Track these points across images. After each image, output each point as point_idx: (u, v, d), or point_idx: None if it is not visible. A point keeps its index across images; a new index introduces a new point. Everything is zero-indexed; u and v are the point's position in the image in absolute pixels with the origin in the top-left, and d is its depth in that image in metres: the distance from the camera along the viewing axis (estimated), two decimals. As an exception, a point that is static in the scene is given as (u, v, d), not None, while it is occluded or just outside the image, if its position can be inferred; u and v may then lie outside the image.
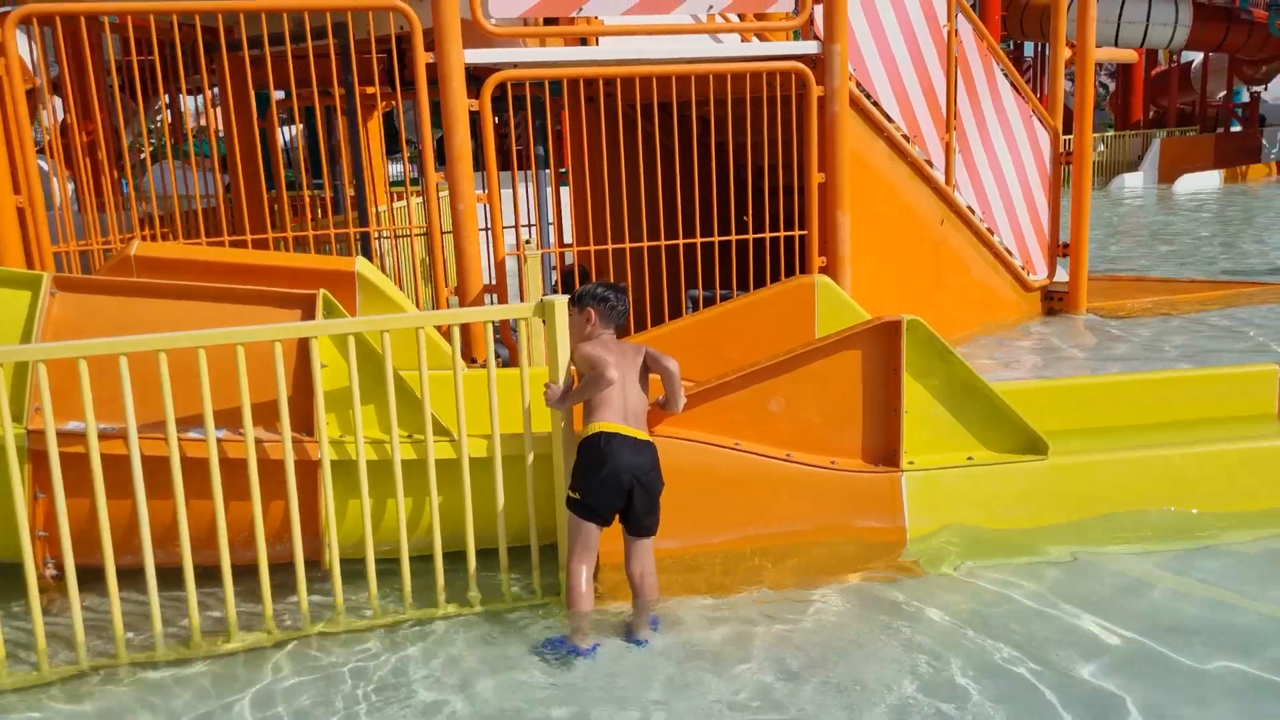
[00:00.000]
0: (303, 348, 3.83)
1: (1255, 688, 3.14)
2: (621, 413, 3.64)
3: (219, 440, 3.60)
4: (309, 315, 3.91)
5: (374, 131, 9.48)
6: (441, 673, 3.41)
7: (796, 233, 6.28)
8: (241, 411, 3.54)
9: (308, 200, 7.04)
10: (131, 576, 3.62)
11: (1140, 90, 28.59)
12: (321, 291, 3.91)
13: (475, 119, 5.51)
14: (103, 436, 3.51)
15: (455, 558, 3.89)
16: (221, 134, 9.09)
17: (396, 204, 9.07)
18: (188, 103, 7.65)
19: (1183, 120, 28.57)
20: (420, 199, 8.41)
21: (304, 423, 3.87)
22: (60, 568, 3.91)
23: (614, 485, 3.55)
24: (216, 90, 8.56)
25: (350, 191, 6.38)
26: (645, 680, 3.30)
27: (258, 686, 3.35)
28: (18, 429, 3.60)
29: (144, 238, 5.72)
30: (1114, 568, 3.96)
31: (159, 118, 8.27)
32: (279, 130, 10.43)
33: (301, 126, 10.61)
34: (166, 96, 7.35)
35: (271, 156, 8.01)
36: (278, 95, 10.49)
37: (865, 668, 3.33)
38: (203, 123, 10.87)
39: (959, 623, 3.60)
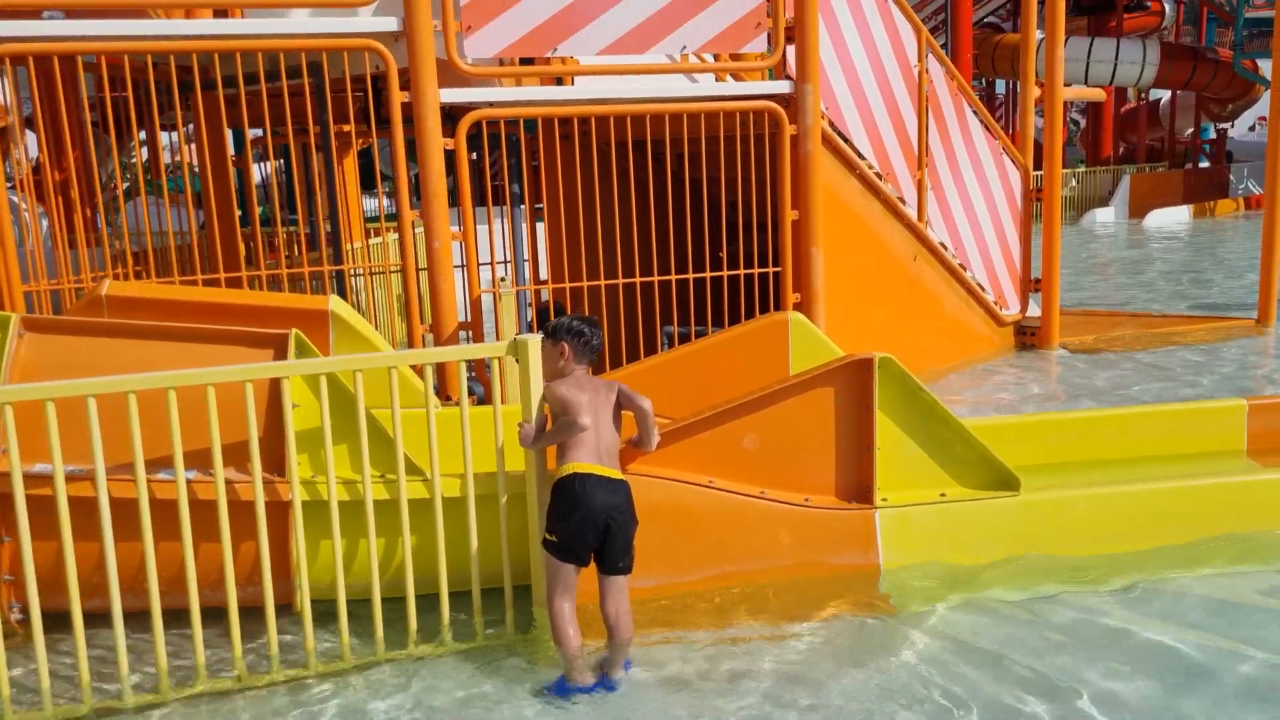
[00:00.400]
0: (274, 387, 3.82)
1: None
2: (595, 452, 3.60)
3: (189, 481, 3.57)
4: (281, 355, 3.90)
5: (350, 169, 9.49)
6: (420, 713, 3.37)
7: (771, 269, 6.32)
8: (211, 452, 3.50)
9: (282, 237, 7.04)
10: (99, 620, 3.57)
11: (1110, 127, 29.02)
12: (294, 331, 3.90)
13: (451, 157, 5.54)
14: (70, 479, 3.47)
15: (427, 600, 3.86)
16: (196, 171, 9.10)
17: (374, 240, 9.08)
18: (161, 139, 7.65)
19: (1152, 156, 29.00)
20: (396, 235, 8.43)
21: (275, 463, 3.84)
22: (26, 612, 3.86)
23: (590, 526, 3.53)
24: (191, 127, 8.57)
25: (325, 228, 6.38)
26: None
27: (226, 732, 3.30)
28: (-16, 471, 3.55)
29: (116, 276, 5.70)
30: (1081, 605, 3.96)
31: (133, 155, 8.25)
32: (253, 167, 10.45)
33: (279, 163, 10.63)
34: (142, 134, 7.36)
35: (246, 194, 8.00)
36: (254, 133, 10.54)
37: (840, 704, 3.32)
38: (178, 159, 10.87)
39: (929, 661, 3.60)
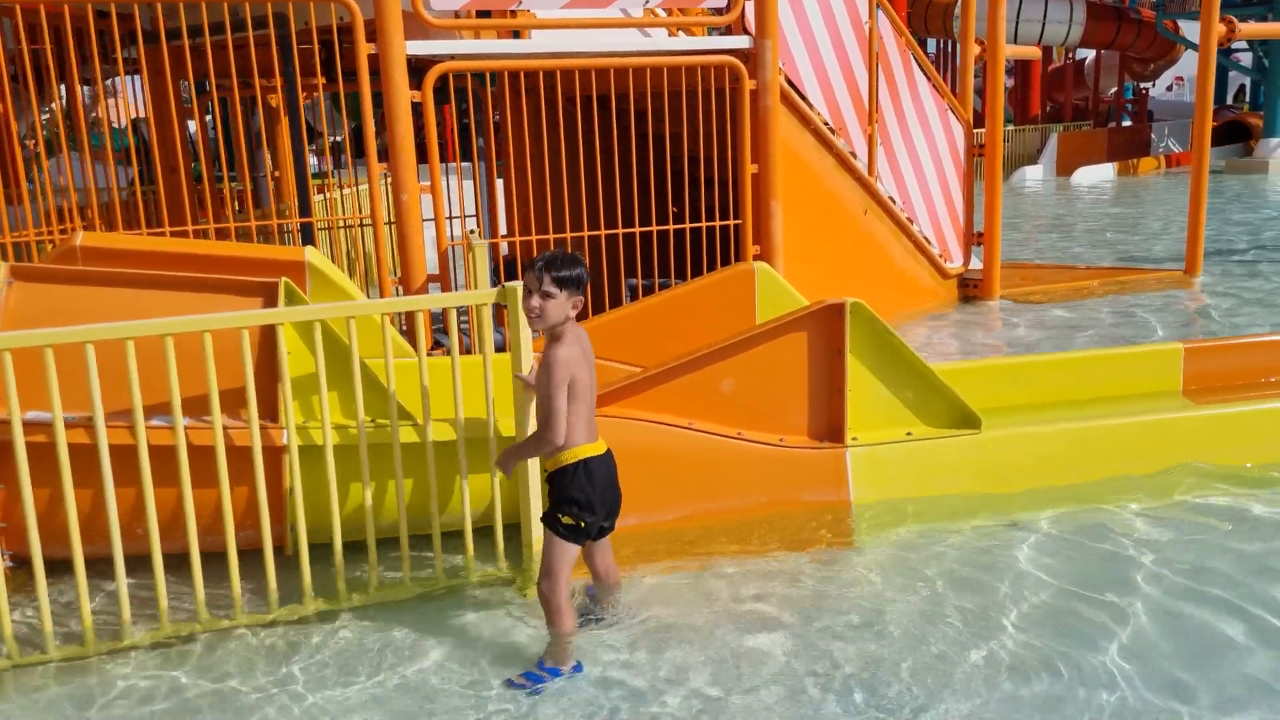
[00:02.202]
0: (266, 335, 3.87)
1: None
2: (590, 425, 3.38)
3: (186, 428, 3.62)
4: (271, 303, 3.94)
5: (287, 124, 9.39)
6: (421, 647, 3.50)
7: (731, 222, 6.47)
8: (209, 399, 3.56)
9: (230, 192, 6.98)
10: (93, 566, 3.62)
11: (1037, 86, 29.64)
12: (283, 279, 3.95)
13: (417, 110, 5.57)
14: (66, 426, 3.50)
15: (414, 541, 3.97)
16: (120, 127, 8.92)
17: (318, 196, 9.03)
18: (81, 93, 7.48)
19: (1077, 115, 29.73)
20: (341, 191, 8.40)
21: (265, 409, 3.90)
22: (17, 559, 3.89)
23: (612, 508, 3.49)
24: (111, 82, 8.39)
25: (273, 183, 6.35)
26: (616, 647, 3.44)
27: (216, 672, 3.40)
28: (-23, 420, 3.56)
29: (64, 230, 5.62)
30: (1030, 532, 4.22)
31: (49, 107, 8.05)
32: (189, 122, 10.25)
33: (209, 118, 10.46)
34: (65, 86, 7.19)
35: (197, 148, 7.89)
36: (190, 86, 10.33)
37: (806, 626, 3.52)
38: (95, 115, 10.61)
39: (891, 584, 3.82)
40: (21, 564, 3.86)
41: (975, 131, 9.30)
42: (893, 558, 4.05)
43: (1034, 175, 24.24)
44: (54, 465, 3.40)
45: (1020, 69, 29.79)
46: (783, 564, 4.02)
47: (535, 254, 6.61)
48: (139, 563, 3.71)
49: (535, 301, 3.27)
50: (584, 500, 3.33)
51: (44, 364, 3.32)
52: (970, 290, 9.17)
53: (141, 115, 7.79)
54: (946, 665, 3.27)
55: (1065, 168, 24.16)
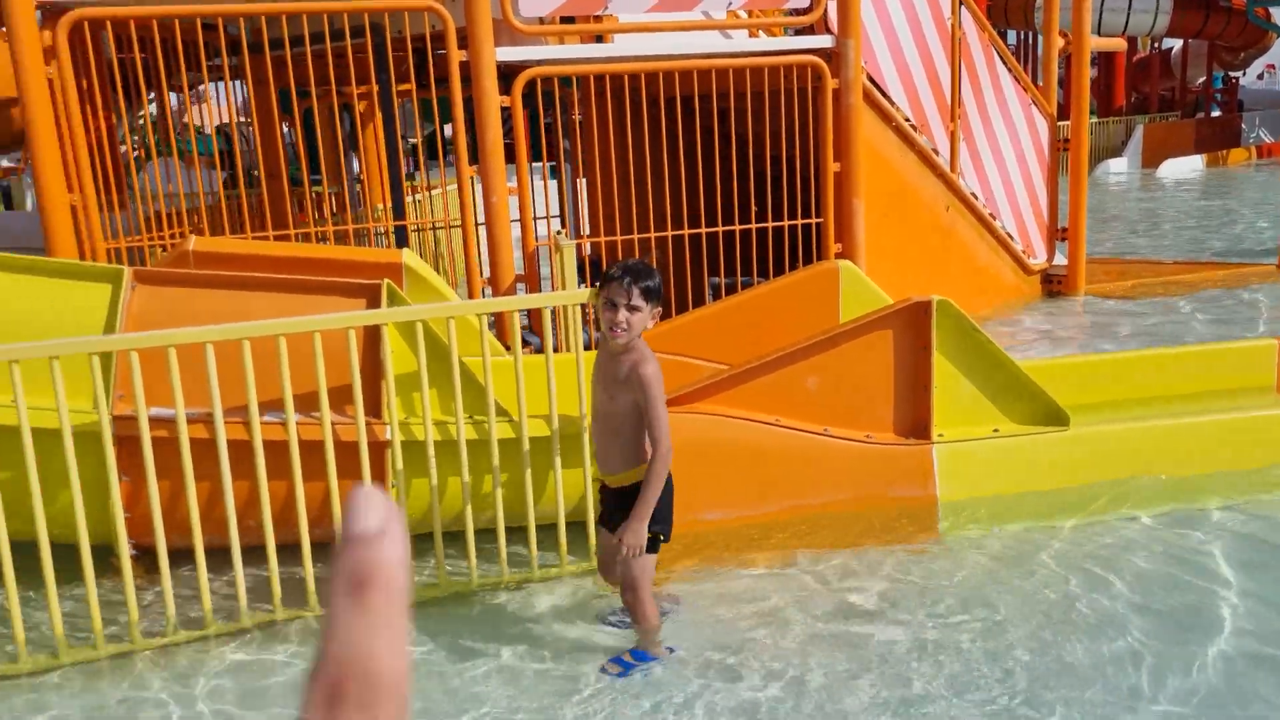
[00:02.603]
0: (370, 335, 4.04)
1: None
2: None
3: (297, 423, 3.80)
4: (374, 304, 4.11)
5: (379, 130, 9.65)
6: (515, 634, 3.63)
7: (813, 220, 6.50)
8: (318, 396, 3.73)
9: (325, 196, 7.23)
10: (208, 555, 3.82)
11: (1122, 77, 28.95)
12: (386, 281, 4.11)
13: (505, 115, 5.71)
14: (188, 421, 3.70)
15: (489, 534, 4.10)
16: (215, 132, 9.24)
17: (410, 198, 9.26)
18: (170, 101, 7.78)
19: (1164, 106, 28.95)
20: (429, 193, 8.61)
21: (369, 406, 4.07)
22: (139, 548, 4.12)
23: None
24: (202, 89, 8.69)
25: (360, 187, 6.55)
26: (711, 636, 3.53)
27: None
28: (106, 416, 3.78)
29: (172, 235, 5.89)
30: (1123, 532, 4.20)
31: (141, 115, 8.39)
32: (282, 127, 10.58)
33: (300, 125, 10.79)
34: (174, 96, 7.49)
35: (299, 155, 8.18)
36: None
37: (903, 619, 3.57)
38: (198, 123, 11.01)
39: (980, 580, 3.85)
40: (144, 553, 4.09)
41: (1059, 125, 9.19)
42: (981, 553, 4.08)
43: (1118, 168, 23.70)
44: (175, 459, 3.61)
45: (1104, 60, 29.13)
46: (871, 558, 4.07)
47: (619, 254, 6.75)
48: (252, 552, 3.90)
49: (623, 315, 3.14)
50: (667, 513, 3.32)
51: (167, 363, 3.52)
52: (1054, 286, 9.06)
53: (227, 121, 8.09)
54: (1039, 658, 3.30)
55: (1151, 160, 23.57)
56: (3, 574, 3.43)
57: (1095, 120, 26.23)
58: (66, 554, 3.57)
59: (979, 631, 3.49)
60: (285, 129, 8.77)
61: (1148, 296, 8.83)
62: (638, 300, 3.17)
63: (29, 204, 13.63)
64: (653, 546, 3.29)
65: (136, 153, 8.74)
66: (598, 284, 3.30)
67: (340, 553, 0.49)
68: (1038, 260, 9.00)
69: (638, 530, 3.20)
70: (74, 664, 3.55)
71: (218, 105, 8.24)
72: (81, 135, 5.11)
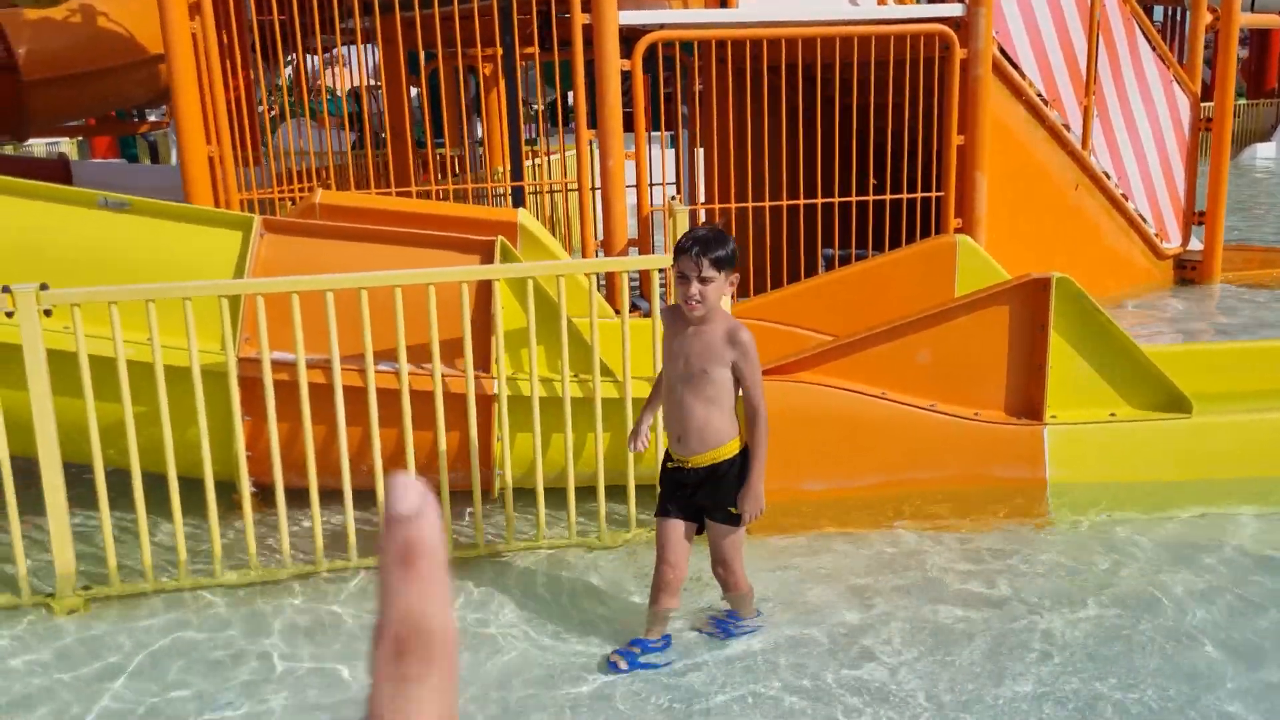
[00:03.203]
0: (481, 290, 4.13)
1: None
2: None
3: (409, 373, 3.92)
4: (488, 260, 4.20)
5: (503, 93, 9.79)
6: (608, 587, 3.70)
7: (933, 194, 6.37)
8: (429, 348, 3.84)
9: (446, 158, 7.36)
10: (301, 496, 3.98)
11: (1276, 57, 27.35)
12: (500, 238, 4.19)
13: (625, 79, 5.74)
14: (308, 366, 3.85)
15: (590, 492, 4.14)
16: (346, 93, 9.50)
17: (528, 162, 9.40)
18: (319, 61, 8.01)
19: (1321, 88, 27.26)
20: (548, 158, 8.71)
21: (478, 360, 4.17)
22: (260, 485, 4.31)
23: None
24: (338, 51, 8.94)
25: (482, 149, 6.65)
26: (804, 608, 3.54)
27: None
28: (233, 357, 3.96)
29: (302, 189, 6.11)
30: (1248, 530, 4.03)
31: (289, 73, 8.69)
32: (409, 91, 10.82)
33: (425, 88, 11.02)
34: (311, 58, 7.72)
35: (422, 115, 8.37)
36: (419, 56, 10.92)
37: (1003, 601, 3.51)
38: (332, 83, 11.33)
39: (1089, 568, 3.74)
40: (261, 490, 4.28)
41: (1203, 105, 8.75)
42: (1090, 540, 3.97)
43: (1266, 153, 22.46)
44: (294, 402, 3.77)
45: (1256, 38, 27.55)
46: (973, 538, 4.00)
47: (735, 221, 6.72)
48: (363, 496, 4.05)
49: (695, 288, 3.02)
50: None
51: (290, 309, 3.67)
52: (1188, 272, 8.67)
53: (359, 84, 8.31)
54: (1145, 654, 3.21)
55: (1304, 145, 22.28)
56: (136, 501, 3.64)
57: (1244, 102, 24.89)
58: (187, 487, 3.78)
59: (1079, 622, 3.41)
60: (414, 92, 9.00)
61: (1289, 287, 8.39)
62: (709, 271, 3.01)
63: (174, 159, 14.26)
64: (738, 522, 3.21)
65: (273, 112, 9.08)
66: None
67: (386, 531, 0.57)
68: (1171, 245, 8.62)
69: (759, 494, 3.14)
70: (194, 588, 3.76)
71: (349, 68, 8.49)
72: (221, 90, 5.32)
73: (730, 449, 3.15)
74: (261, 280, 3.69)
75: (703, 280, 3.02)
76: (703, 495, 3.19)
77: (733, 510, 3.17)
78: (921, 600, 3.56)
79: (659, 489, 3.30)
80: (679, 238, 3.12)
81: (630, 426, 4.01)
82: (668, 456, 3.26)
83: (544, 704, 3.05)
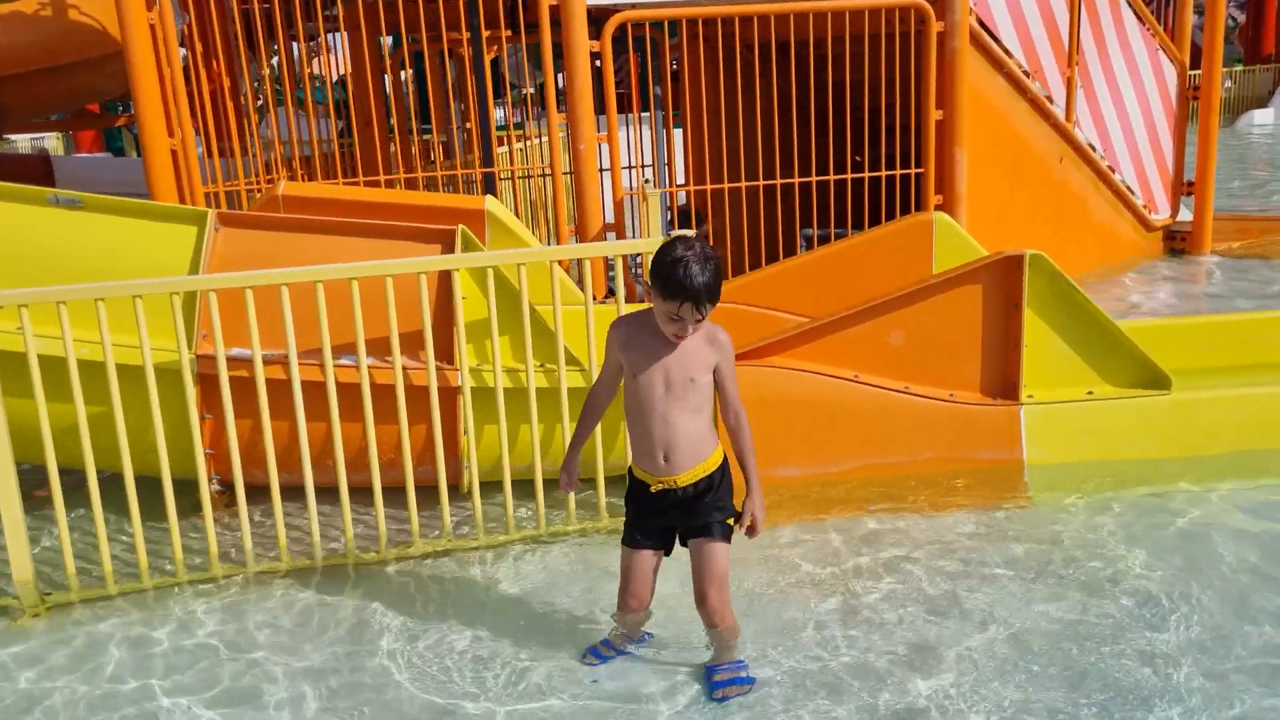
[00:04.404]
0: (444, 280, 4.05)
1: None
2: None
3: (369, 367, 3.85)
4: (449, 249, 4.12)
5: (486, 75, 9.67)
6: (576, 577, 3.63)
7: (912, 171, 6.27)
8: (389, 341, 3.76)
9: (435, 144, 7.28)
10: (285, 493, 3.92)
11: (1272, 22, 27.10)
12: (460, 227, 4.11)
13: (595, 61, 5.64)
14: (264, 362, 3.78)
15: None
16: (335, 80, 9.38)
17: (500, 149, 9.30)
18: (303, 49, 7.92)
19: (1318, 53, 27.03)
20: (528, 143, 8.61)
21: (441, 352, 4.09)
22: (224, 483, 4.25)
23: None
24: (326, 38, 8.83)
25: (464, 135, 6.56)
26: (771, 595, 3.47)
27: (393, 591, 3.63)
28: (188, 355, 3.89)
29: (272, 181, 6.03)
30: (1229, 505, 3.96)
31: (274, 63, 8.61)
32: (388, 77, 10.70)
33: (411, 72, 10.90)
34: (281, 44, 7.63)
35: (394, 103, 8.27)
36: (386, 41, 10.81)
37: (970, 588, 3.44)
38: (314, 71, 11.23)
39: (1066, 549, 3.67)
40: (227, 488, 4.22)
41: (1192, 73, 8.63)
42: (1068, 520, 3.90)
43: (1263, 119, 22.29)
44: (254, 398, 3.70)
45: (1253, 4, 27.34)
46: (948, 521, 3.94)
47: (712, 202, 6.62)
48: (329, 493, 3.98)
49: (690, 329, 2.80)
50: (732, 495, 3.00)
51: (243, 304, 3.60)
52: (1177, 244, 8.58)
53: (342, 73, 8.21)
54: (1128, 632, 3.15)
55: (1301, 111, 22.10)
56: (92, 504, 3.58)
57: (1241, 68, 24.71)
58: (154, 487, 3.72)
59: (1058, 602, 3.34)
60: (402, 78, 8.88)
61: (1280, 257, 8.29)
62: (708, 312, 2.79)
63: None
64: (729, 532, 2.97)
65: (259, 102, 8.99)
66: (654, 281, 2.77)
67: None
68: (1160, 216, 8.52)
69: (762, 503, 2.93)
70: (155, 588, 3.70)
71: (333, 55, 8.38)
72: (181, 82, 5.23)
73: (717, 457, 2.95)
74: (213, 276, 3.62)
75: (699, 321, 2.78)
76: (693, 513, 2.93)
77: (730, 521, 2.94)
78: (902, 586, 3.49)
79: (629, 516, 3.02)
80: (674, 271, 2.69)
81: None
82: (642, 482, 2.95)
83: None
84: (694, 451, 2.89)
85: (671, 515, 2.95)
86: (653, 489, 2.92)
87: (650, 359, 2.86)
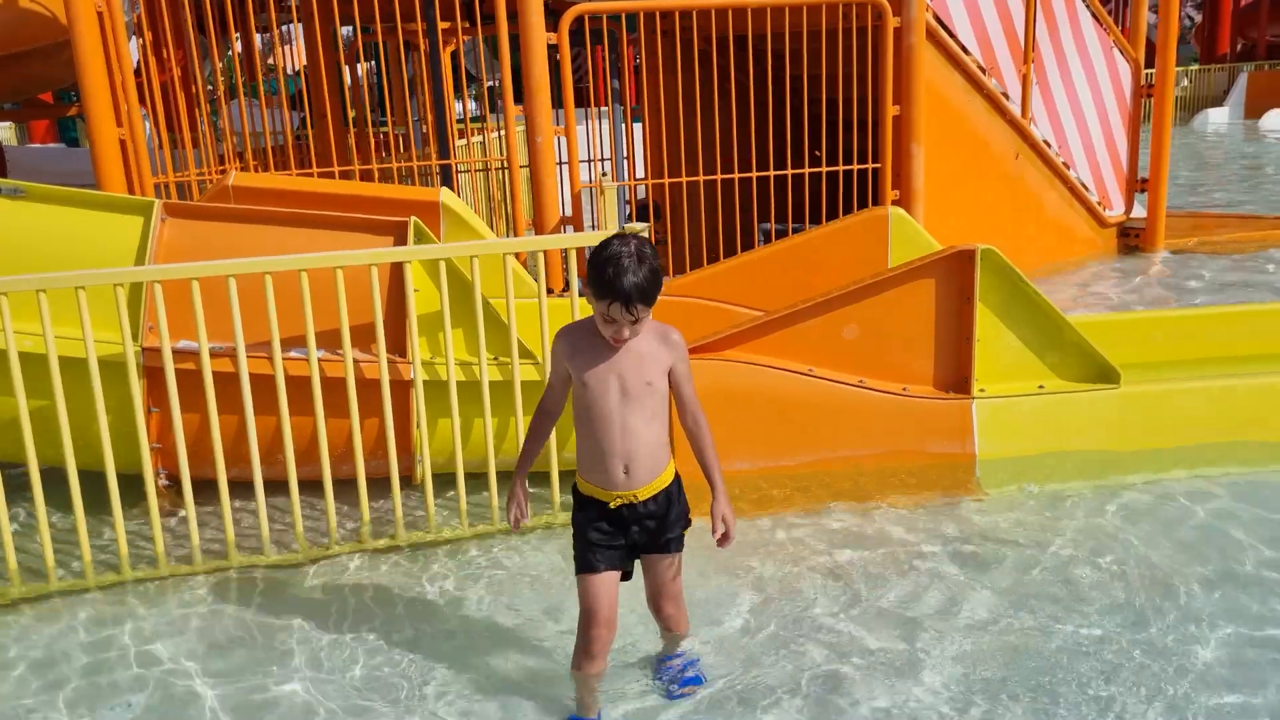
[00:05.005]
0: (396, 272, 4.01)
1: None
2: None
3: (319, 360, 3.81)
4: (401, 241, 4.08)
5: (446, 68, 9.61)
6: (529, 572, 3.62)
7: (870, 166, 6.31)
8: (340, 333, 3.72)
9: (391, 136, 7.22)
10: (236, 488, 3.87)
11: (1228, 22, 27.55)
12: (413, 219, 4.07)
13: (553, 53, 5.62)
14: (212, 355, 3.73)
15: (534, 477, 4.07)
16: (293, 72, 9.29)
17: (460, 142, 9.23)
18: (257, 41, 7.83)
19: (1272, 53, 27.50)
20: (487, 136, 8.57)
21: (394, 345, 4.06)
22: (172, 478, 4.19)
23: None
24: (285, 29, 8.74)
25: (425, 126, 6.52)
26: (727, 597, 3.47)
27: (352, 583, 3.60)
28: (134, 347, 3.83)
29: (222, 172, 5.95)
30: (1177, 496, 4.01)
31: (228, 55, 8.50)
32: (344, 69, 10.61)
33: (369, 65, 10.81)
34: (239, 35, 7.54)
35: (346, 94, 8.19)
36: (345, 32, 10.70)
37: (919, 584, 3.46)
38: (270, 62, 11.11)
39: (1015, 542, 3.71)
40: (175, 483, 4.16)
41: (1146, 71, 8.73)
42: (1017, 513, 3.93)
43: (1218, 118, 22.66)
44: (202, 392, 3.64)
45: (1209, 4, 27.76)
46: (901, 515, 3.96)
47: (670, 197, 6.62)
48: (278, 487, 3.94)
49: (628, 333, 2.64)
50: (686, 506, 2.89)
51: (191, 296, 3.55)
52: (1131, 240, 8.69)
53: (298, 65, 8.11)
54: (1066, 622, 3.18)
55: (1255, 110, 22.46)
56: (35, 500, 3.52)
57: (1197, 67, 25.08)
58: (101, 481, 3.65)
59: (1009, 592, 3.37)
60: (362, 70, 8.80)
61: (1233, 253, 8.41)
62: (642, 314, 2.61)
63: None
64: (682, 543, 2.87)
65: (210, 90, 8.87)
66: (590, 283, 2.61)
67: None
68: (1114, 212, 8.63)
69: (731, 508, 2.80)
70: (101, 588, 3.64)
71: (289, 49, 8.30)
72: (130, 70, 5.15)
73: (672, 469, 2.81)
74: (159, 267, 3.56)
75: (635, 323, 2.62)
76: (654, 528, 2.77)
77: (684, 532, 2.83)
78: (852, 580, 3.50)
79: (583, 540, 2.77)
80: (604, 269, 2.55)
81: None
82: (597, 502, 2.75)
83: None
84: (655, 462, 2.73)
85: (631, 533, 2.76)
86: (611, 505, 2.73)
87: (601, 364, 2.69)
